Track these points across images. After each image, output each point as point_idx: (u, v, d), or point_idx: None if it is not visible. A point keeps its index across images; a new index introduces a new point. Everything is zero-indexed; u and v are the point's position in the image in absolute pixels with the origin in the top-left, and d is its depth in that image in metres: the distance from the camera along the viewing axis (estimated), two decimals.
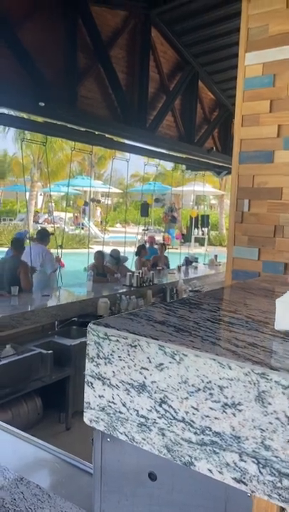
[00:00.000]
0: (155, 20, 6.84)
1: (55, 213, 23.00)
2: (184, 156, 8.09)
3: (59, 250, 6.96)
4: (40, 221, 20.83)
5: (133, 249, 8.34)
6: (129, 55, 6.61)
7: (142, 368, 0.73)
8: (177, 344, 0.71)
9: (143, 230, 18.65)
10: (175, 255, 9.72)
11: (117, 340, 0.75)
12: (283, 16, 2.92)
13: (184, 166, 9.61)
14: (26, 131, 9.59)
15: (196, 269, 8.51)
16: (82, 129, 6.07)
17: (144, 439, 0.73)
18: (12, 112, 5.36)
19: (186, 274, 7.94)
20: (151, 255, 8.19)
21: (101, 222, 22.67)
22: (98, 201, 24.16)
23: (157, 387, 0.72)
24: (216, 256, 9.12)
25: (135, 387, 0.74)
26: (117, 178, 29.65)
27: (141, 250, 7.99)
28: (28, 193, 19.84)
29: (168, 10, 6.68)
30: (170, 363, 0.70)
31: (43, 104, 5.11)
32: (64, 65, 5.60)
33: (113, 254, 7.19)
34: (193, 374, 0.68)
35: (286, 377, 0.61)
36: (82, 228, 20.43)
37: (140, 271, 6.52)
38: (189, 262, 8.68)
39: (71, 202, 27.58)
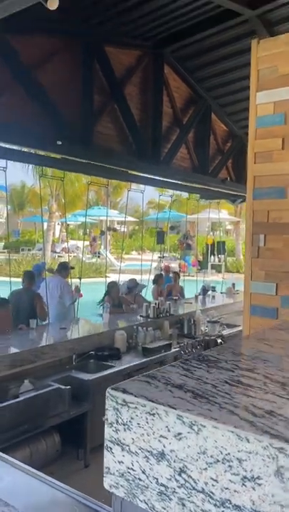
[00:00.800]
0: (168, 58, 7.03)
1: (72, 242, 23.31)
2: (199, 186, 8.18)
3: (78, 280, 7.04)
4: (58, 250, 21.10)
5: (148, 276, 8.40)
6: (142, 92, 6.79)
7: (161, 436, 0.73)
8: (195, 414, 0.71)
9: (159, 257, 18.75)
10: (191, 283, 9.72)
11: (136, 408, 0.76)
12: None
13: (198, 195, 9.68)
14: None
15: (213, 298, 8.47)
16: (98, 164, 6.21)
17: (165, 509, 0.73)
18: (32, 150, 5.51)
19: (204, 304, 7.92)
20: (166, 284, 8.24)
21: (110, 250, 22.78)
22: (114, 229, 24.43)
23: (176, 456, 0.72)
24: (233, 284, 9.06)
25: (154, 455, 0.74)
26: (133, 206, 30.11)
27: (158, 279, 8.04)
28: (46, 224, 20.16)
29: (180, 47, 6.84)
30: (188, 433, 0.70)
31: (60, 142, 5.28)
32: (81, 104, 5.80)
33: (129, 285, 7.23)
34: (212, 445, 0.68)
35: None
36: (99, 257, 20.60)
37: (157, 301, 6.53)
38: (206, 290, 8.66)
39: (88, 231, 28.00)
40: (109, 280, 7.30)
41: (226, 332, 6.45)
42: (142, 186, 8.46)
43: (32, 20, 4.76)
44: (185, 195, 12.57)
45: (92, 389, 4.09)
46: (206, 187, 8.26)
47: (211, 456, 0.69)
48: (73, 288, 6.47)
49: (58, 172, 7.24)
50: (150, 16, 5.76)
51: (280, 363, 1.01)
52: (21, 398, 3.66)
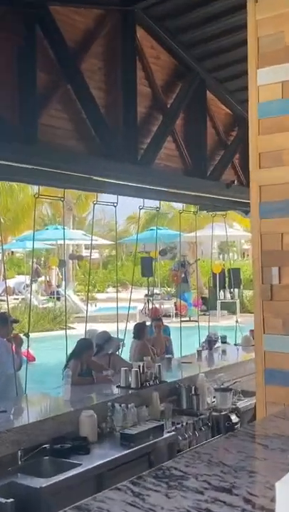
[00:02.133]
0: (140, 17, 7.12)
1: (20, 278, 23.26)
2: (194, 193, 8.30)
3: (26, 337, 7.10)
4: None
5: (133, 324, 8.43)
6: (107, 66, 6.89)
7: None
8: None
9: (146, 295, 18.75)
10: (192, 331, 9.71)
11: None
12: None
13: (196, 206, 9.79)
14: None
15: (223, 353, 8.46)
16: (48, 170, 6.23)
17: None
18: None
19: (210, 363, 7.93)
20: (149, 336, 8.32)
21: (74, 287, 22.77)
22: (80, 258, 24.49)
23: None
24: (251, 331, 9.09)
25: None
26: (106, 223, 30.21)
27: (141, 330, 8.00)
28: None
29: (157, 2, 6.88)
30: None
31: None
32: (18, 86, 5.84)
33: (99, 342, 7.23)
34: None
35: None
36: (58, 299, 20.56)
37: (141, 363, 6.50)
38: (213, 342, 8.66)
39: (42, 260, 28.03)
40: (74, 333, 7.59)
41: (242, 404, 6.41)
42: (114, 197, 8.34)
43: None
44: (178, 206, 12.56)
45: (46, 501, 4.03)
46: (204, 194, 8.36)
47: None
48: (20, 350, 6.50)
49: None
50: None
51: (273, 473, 1.02)
52: None
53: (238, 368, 7.56)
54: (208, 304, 18.30)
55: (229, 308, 17.64)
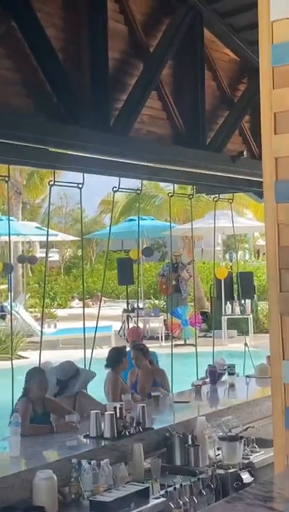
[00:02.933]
0: None
1: None
2: (188, 169, 8.22)
3: None
4: None
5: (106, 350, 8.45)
6: None
7: None
8: None
9: (124, 311, 18.56)
10: (188, 359, 9.77)
11: None
12: None
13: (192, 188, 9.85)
14: None
15: (232, 388, 8.45)
16: None
17: None
18: None
19: (213, 402, 7.94)
20: (129, 370, 8.34)
21: (25, 301, 22.63)
22: (33, 260, 24.33)
23: None
24: (269, 357, 9.12)
25: None
26: (69, 210, 30.04)
27: (117, 359, 8.00)
28: None
29: None
30: None
31: None
32: None
33: (61, 377, 7.24)
34: None
35: None
36: (3, 317, 20.39)
37: (118, 404, 6.51)
38: (218, 374, 8.62)
39: None
40: (25, 363, 7.82)
41: (258, 457, 6.43)
42: (79, 176, 8.35)
43: None
44: (168, 187, 12.34)
45: None
46: (202, 171, 8.28)
47: None
48: None
49: None
50: None
51: None
52: None
53: (251, 409, 7.54)
54: (210, 322, 18.08)
55: (239, 326, 17.43)
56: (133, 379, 8.23)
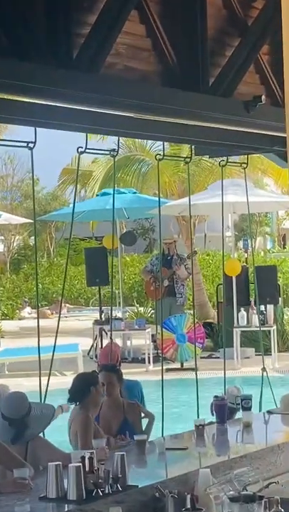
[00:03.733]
0: None
1: None
2: (184, 121, 7.60)
3: None
4: None
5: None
6: None
7: None
8: None
9: (96, 322, 17.36)
10: (186, 387, 9.63)
11: None
12: None
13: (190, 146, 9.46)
14: None
15: (246, 428, 7.77)
16: None
17: None
18: None
19: (221, 448, 7.58)
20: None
21: None
22: None
23: None
24: None
25: None
26: (17, 181, 28.27)
27: (85, 390, 7.56)
28: None
29: None
30: None
31: None
32: None
33: (8, 414, 6.76)
34: None
35: None
36: None
37: (87, 453, 6.01)
38: (228, 409, 8.01)
39: None
40: None
41: None
42: (29, 131, 7.60)
43: None
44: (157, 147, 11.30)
45: None
46: (204, 123, 7.64)
47: None
48: None
49: None
50: None
51: None
52: None
53: (274, 457, 7.11)
54: (217, 337, 17.21)
55: (257, 343, 15.27)
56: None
